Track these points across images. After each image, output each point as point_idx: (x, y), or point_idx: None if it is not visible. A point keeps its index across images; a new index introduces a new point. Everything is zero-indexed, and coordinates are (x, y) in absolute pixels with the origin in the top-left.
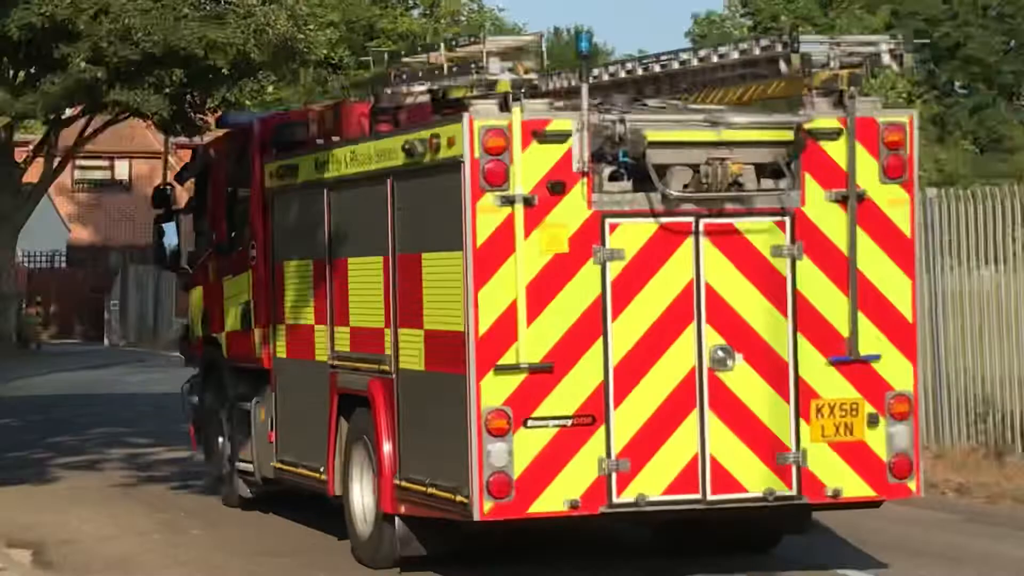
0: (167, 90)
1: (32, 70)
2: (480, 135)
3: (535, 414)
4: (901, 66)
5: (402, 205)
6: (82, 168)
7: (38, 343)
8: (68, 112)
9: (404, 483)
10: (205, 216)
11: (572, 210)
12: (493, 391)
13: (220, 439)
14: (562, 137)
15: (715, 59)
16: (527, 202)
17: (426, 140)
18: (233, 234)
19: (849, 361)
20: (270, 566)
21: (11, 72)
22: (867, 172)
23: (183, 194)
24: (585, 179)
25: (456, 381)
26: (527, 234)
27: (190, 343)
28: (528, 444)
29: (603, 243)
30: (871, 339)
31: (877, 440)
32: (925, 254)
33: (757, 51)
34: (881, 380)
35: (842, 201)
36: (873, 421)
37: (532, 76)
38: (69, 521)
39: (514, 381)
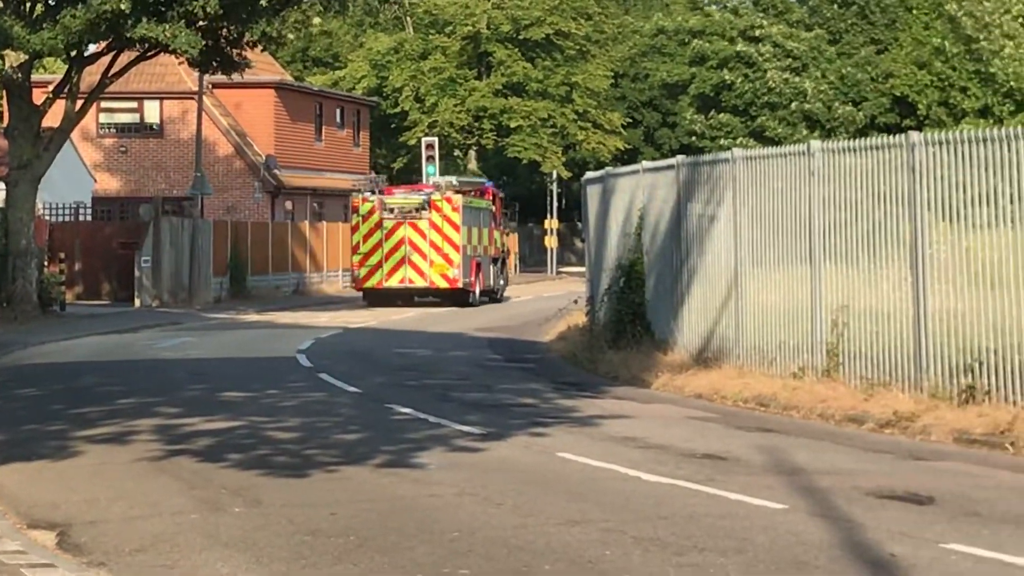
0: (199, 23)
1: (51, 2)
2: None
3: None
4: None
5: None
6: (108, 111)
7: (62, 304)
8: (91, 48)
9: None
10: None
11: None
12: None
13: None
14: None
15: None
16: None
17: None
18: None
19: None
20: (320, 547)
21: (27, 4)
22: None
23: None
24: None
25: None
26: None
27: None
28: None
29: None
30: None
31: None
32: (909, 203)
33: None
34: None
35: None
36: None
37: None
38: (97, 499)
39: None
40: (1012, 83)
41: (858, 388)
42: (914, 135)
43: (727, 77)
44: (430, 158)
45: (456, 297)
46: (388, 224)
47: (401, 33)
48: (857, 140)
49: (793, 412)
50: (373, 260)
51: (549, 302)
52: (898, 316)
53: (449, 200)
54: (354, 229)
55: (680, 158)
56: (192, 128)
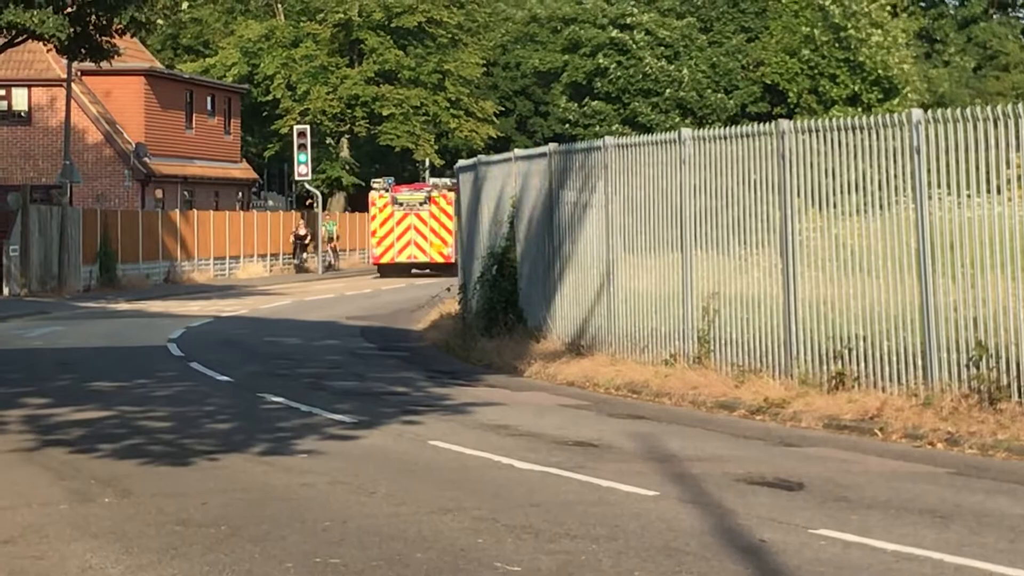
0: (68, 10)
1: None
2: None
3: None
4: None
5: None
6: None
7: None
8: None
9: None
10: None
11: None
12: None
13: None
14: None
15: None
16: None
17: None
18: None
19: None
20: (191, 538)
21: None
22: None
23: None
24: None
25: None
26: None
27: None
28: None
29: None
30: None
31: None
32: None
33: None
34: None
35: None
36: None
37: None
38: None
39: None
40: (880, 71)
41: (729, 375)
42: (784, 123)
43: (602, 62)
44: (302, 146)
45: (448, 270)
46: (398, 214)
47: (272, 20)
48: (728, 128)
49: (665, 399)
50: (387, 242)
51: (421, 290)
52: (768, 303)
53: (444, 196)
54: (372, 219)
55: (553, 146)
56: (61, 116)
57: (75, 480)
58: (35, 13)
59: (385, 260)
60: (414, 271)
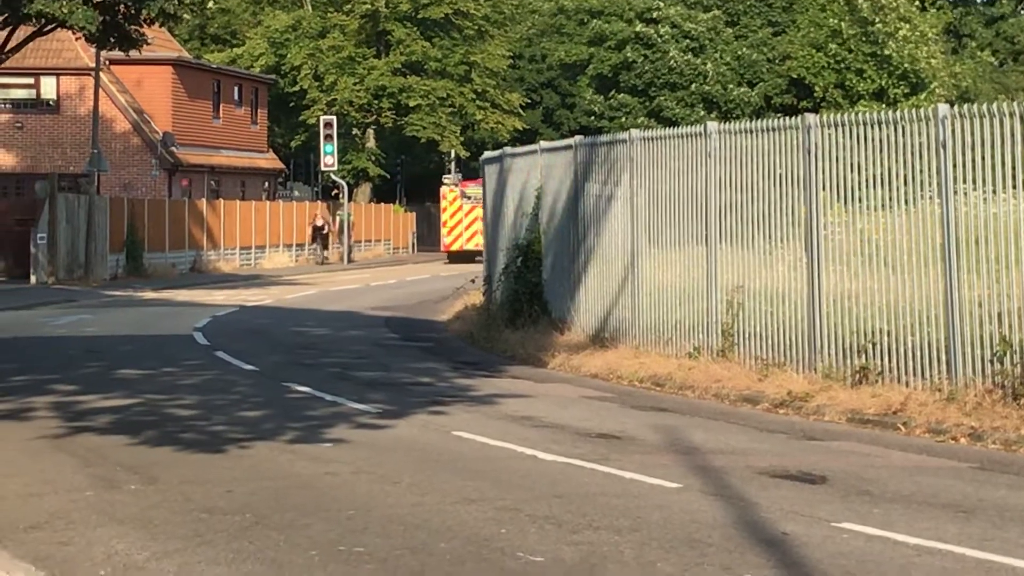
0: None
1: None
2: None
3: None
4: None
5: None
6: (3, 87)
7: None
8: None
9: None
10: None
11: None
12: None
13: None
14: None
15: None
16: None
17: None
18: None
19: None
20: (216, 525)
21: None
22: None
23: None
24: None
25: None
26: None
27: None
28: None
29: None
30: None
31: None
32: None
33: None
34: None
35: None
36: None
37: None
38: None
39: None
40: (907, 65)
41: (753, 368)
42: (810, 117)
43: (628, 55)
44: (328, 137)
45: None
46: (466, 207)
47: (299, 11)
48: (754, 122)
49: (688, 392)
50: (456, 231)
51: (446, 282)
52: (792, 297)
53: None
54: (443, 211)
55: (578, 139)
56: (89, 105)
57: (101, 467)
58: (64, 3)
59: (455, 248)
60: (477, 259)
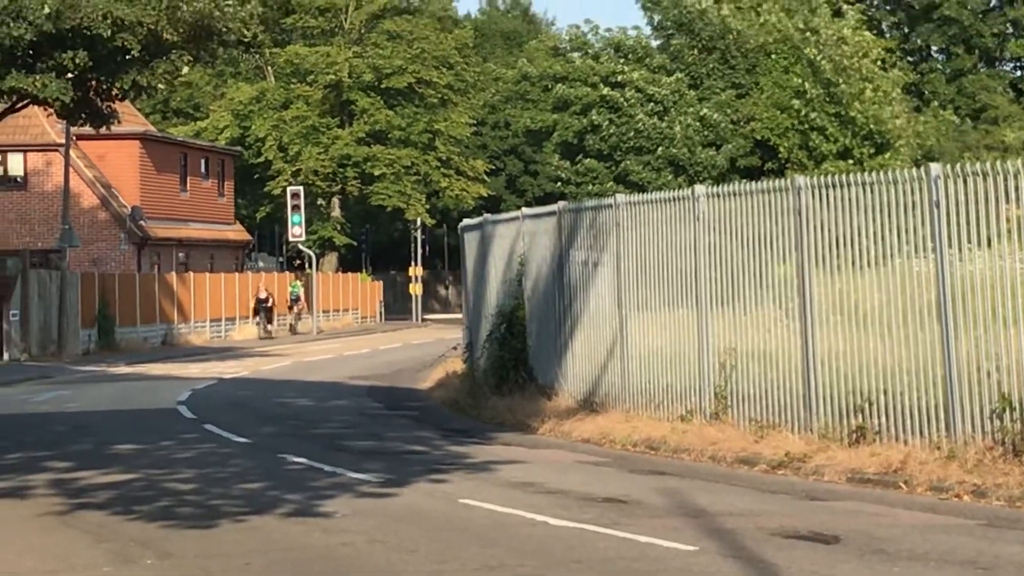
0: (69, 74)
1: None
2: None
3: None
4: None
5: None
6: None
7: None
8: None
9: None
10: None
11: None
12: None
13: None
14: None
15: None
16: None
17: None
18: None
19: None
20: None
21: None
22: None
23: None
24: None
25: None
26: None
27: None
28: None
29: None
30: None
31: None
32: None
33: None
34: None
35: None
36: None
37: None
38: (4, 555)
39: None
40: (872, 126)
41: (748, 430)
42: (800, 179)
43: (595, 119)
44: (295, 207)
45: None
46: None
47: (263, 83)
48: (742, 184)
49: (684, 455)
50: None
51: (419, 350)
52: (786, 358)
53: None
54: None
55: (562, 204)
56: (56, 180)
57: (114, 542)
58: (37, 78)
59: None
60: None
